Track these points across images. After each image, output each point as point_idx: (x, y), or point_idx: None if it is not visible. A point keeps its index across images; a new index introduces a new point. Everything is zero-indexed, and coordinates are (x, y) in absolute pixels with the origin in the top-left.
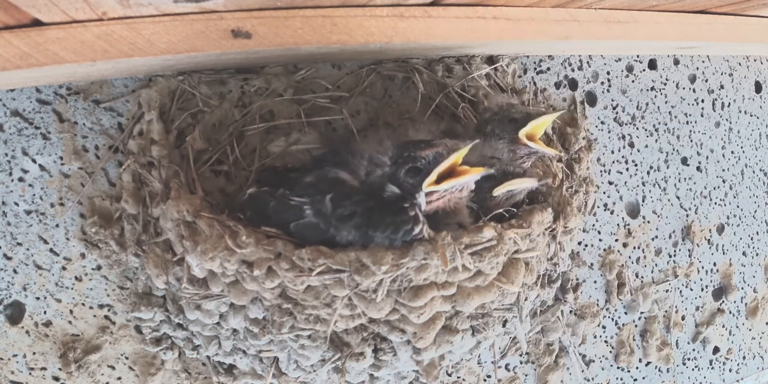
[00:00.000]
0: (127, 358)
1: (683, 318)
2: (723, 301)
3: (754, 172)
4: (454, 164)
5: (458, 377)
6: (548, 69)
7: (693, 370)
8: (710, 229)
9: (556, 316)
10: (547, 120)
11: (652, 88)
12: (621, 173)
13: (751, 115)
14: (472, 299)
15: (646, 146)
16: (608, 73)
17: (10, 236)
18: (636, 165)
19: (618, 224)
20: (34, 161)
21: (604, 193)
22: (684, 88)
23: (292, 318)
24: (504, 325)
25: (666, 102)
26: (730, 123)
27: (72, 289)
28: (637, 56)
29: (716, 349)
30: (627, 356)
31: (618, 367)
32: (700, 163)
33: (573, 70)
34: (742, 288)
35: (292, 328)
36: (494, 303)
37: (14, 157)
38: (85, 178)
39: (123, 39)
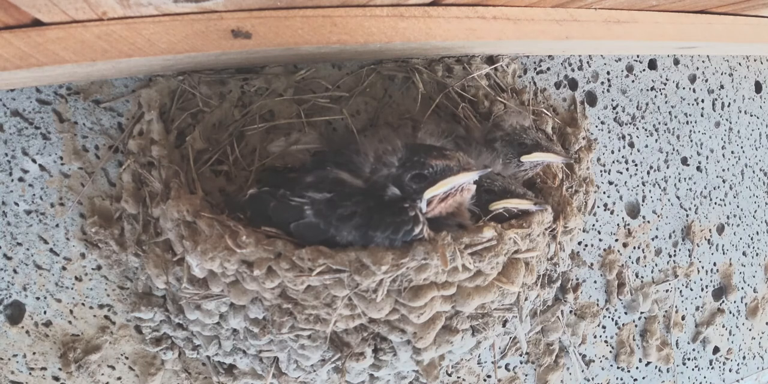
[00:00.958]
0: (127, 358)
1: (683, 318)
2: (723, 301)
3: (754, 172)
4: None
5: (458, 377)
6: (548, 69)
7: (693, 370)
8: (710, 229)
9: (556, 316)
10: (552, 159)
11: (652, 88)
12: (621, 173)
13: (751, 115)
14: (472, 299)
15: (646, 146)
16: (608, 73)
17: (10, 236)
18: (636, 165)
19: (618, 224)
20: (34, 161)
21: (604, 193)
22: (684, 88)
23: (292, 318)
24: (504, 325)
25: (666, 102)
26: (730, 123)
27: (72, 289)
28: (637, 56)
29: (716, 349)
30: (627, 356)
31: (618, 367)
32: (700, 163)
33: (573, 70)
34: (742, 288)
35: (292, 328)
36: (494, 303)
37: (14, 157)
38: (85, 178)
39: (123, 39)
